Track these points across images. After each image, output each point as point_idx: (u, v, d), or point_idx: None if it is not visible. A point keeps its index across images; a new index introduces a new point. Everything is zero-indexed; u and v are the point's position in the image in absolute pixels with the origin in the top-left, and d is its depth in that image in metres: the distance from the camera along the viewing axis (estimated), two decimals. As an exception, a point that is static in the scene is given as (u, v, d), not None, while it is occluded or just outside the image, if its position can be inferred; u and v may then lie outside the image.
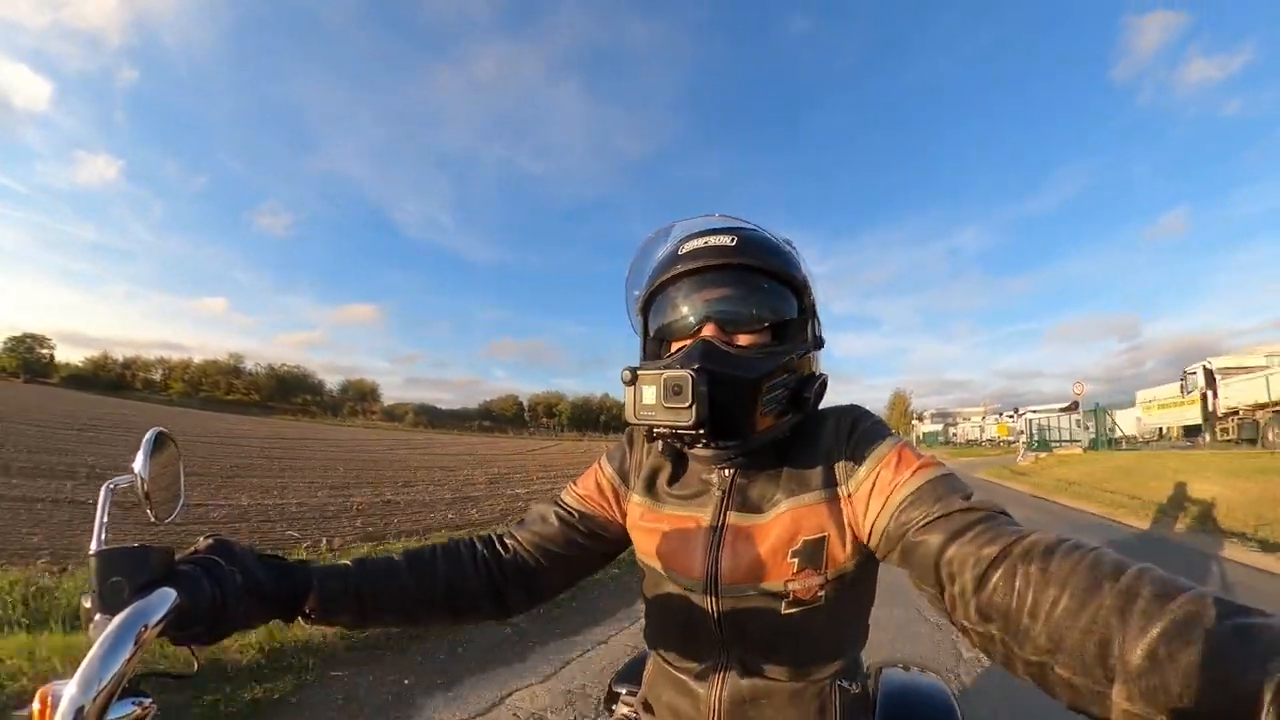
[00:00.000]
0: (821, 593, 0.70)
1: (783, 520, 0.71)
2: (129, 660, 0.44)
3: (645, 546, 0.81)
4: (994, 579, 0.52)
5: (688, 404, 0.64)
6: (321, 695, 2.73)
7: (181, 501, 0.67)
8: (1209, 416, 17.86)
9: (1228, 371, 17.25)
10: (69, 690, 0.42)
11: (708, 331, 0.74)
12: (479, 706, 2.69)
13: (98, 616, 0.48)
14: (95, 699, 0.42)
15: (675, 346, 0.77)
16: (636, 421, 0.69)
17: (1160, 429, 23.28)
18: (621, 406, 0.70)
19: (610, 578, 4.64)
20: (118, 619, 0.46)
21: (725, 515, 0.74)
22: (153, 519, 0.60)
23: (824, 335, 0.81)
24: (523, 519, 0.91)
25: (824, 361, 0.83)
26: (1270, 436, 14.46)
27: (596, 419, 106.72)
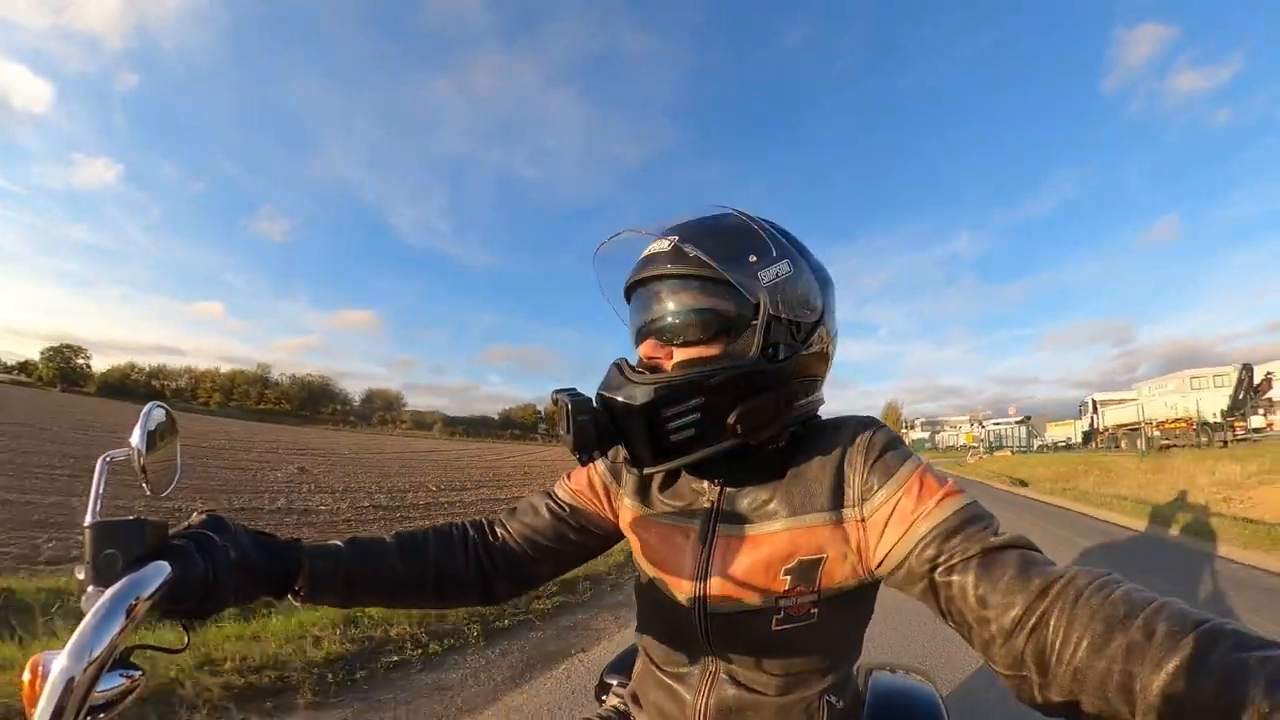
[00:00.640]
0: (814, 610, 0.68)
1: (779, 538, 0.68)
2: (120, 632, 0.44)
3: (637, 549, 0.81)
4: (1028, 627, 0.52)
5: (566, 429, 0.67)
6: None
7: (178, 476, 0.67)
8: (1093, 431, 31.39)
9: (1105, 403, 30.70)
10: (60, 660, 0.42)
11: (644, 348, 0.72)
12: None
13: (90, 588, 0.49)
14: (86, 670, 0.42)
15: None
16: (560, 437, 0.70)
17: (1068, 438, 38.48)
18: None
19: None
20: (110, 591, 0.46)
21: (715, 527, 0.72)
22: (148, 493, 0.60)
23: (812, 332, 0.71)
24: (514, 508, 0.91)
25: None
26: (1122, 444, 25.87)
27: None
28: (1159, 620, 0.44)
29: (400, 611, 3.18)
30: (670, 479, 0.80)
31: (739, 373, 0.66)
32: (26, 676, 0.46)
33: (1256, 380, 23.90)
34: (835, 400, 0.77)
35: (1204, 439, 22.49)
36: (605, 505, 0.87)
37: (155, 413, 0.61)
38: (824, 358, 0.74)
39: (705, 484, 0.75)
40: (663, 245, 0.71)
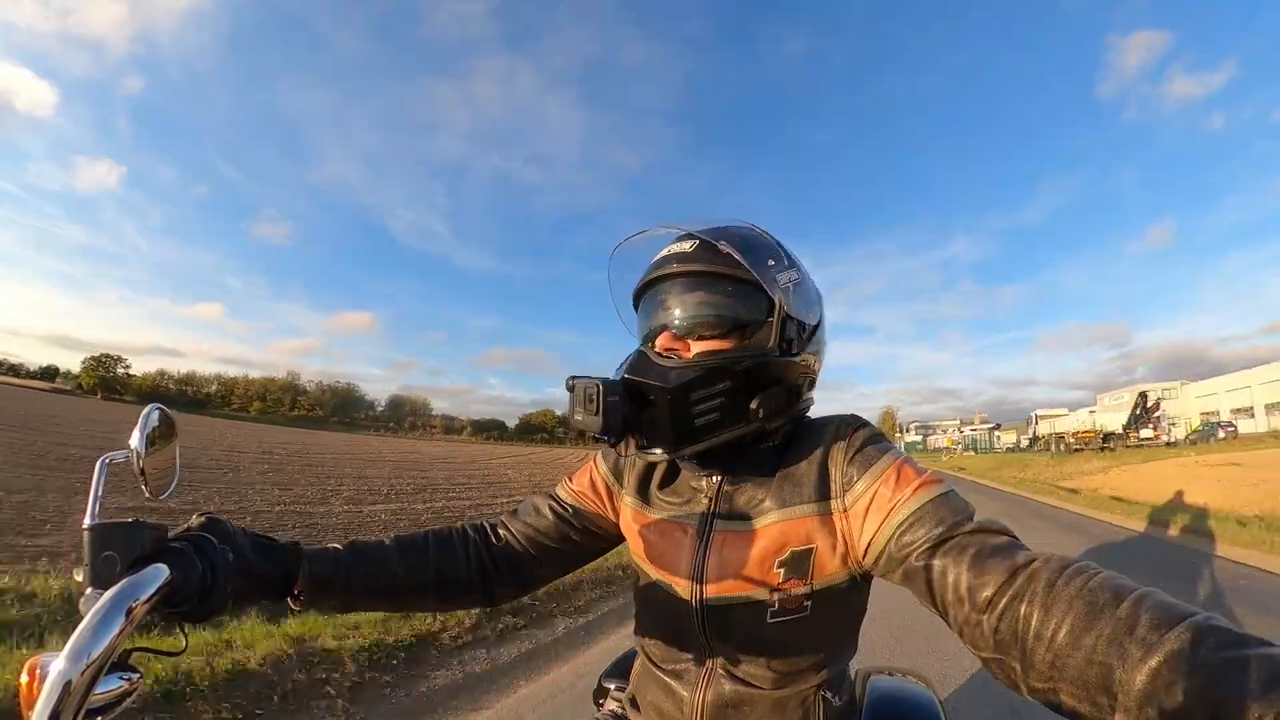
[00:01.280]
0: (807, 603, 0.69)
1: (771, 530, 0.70)
2: (119, 635, 0.44)
3: (636, 547, 0.82)
4: (1000, 606, 0.52)
5: (595, 411, 0.67)
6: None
7: (177, 479, 0.67)
8: (1034, 438, 52.43)
9: (1042, 417, 57.50)
10: (58, 663, 0.42)
11: (662, 339, 0.74)
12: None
13: (89, 590, 0.49)
14: (83, 672, 0.42)
15: None
16: (572, 425, 0.70)
17: (1016, 442, 57.31)
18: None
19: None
20: (109, 593, 0.46)
21: (712, 522, 0.74)
22: (147, 495, 0.60)
23: (814, 335, 0.78)
24: (515, 509, 0.91)
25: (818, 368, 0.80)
26: (1052, 448, 36.12)
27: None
28: (1141, 612, 0.43)
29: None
30: (670, 477, 0.82)
31: (761, 361, 0.71)
32: (24, 678, 0.46)
33: (1150, 403, 35.98)
34: (834, 403, 0.87)
35: (1108, 445, 33.12)
36: (607, 506, 0.88)
37: (154, 414, 0.61)
38: (819, 359, 0.80)
39: (704, 481, 0.77)
40: (684, 246, 0.75)
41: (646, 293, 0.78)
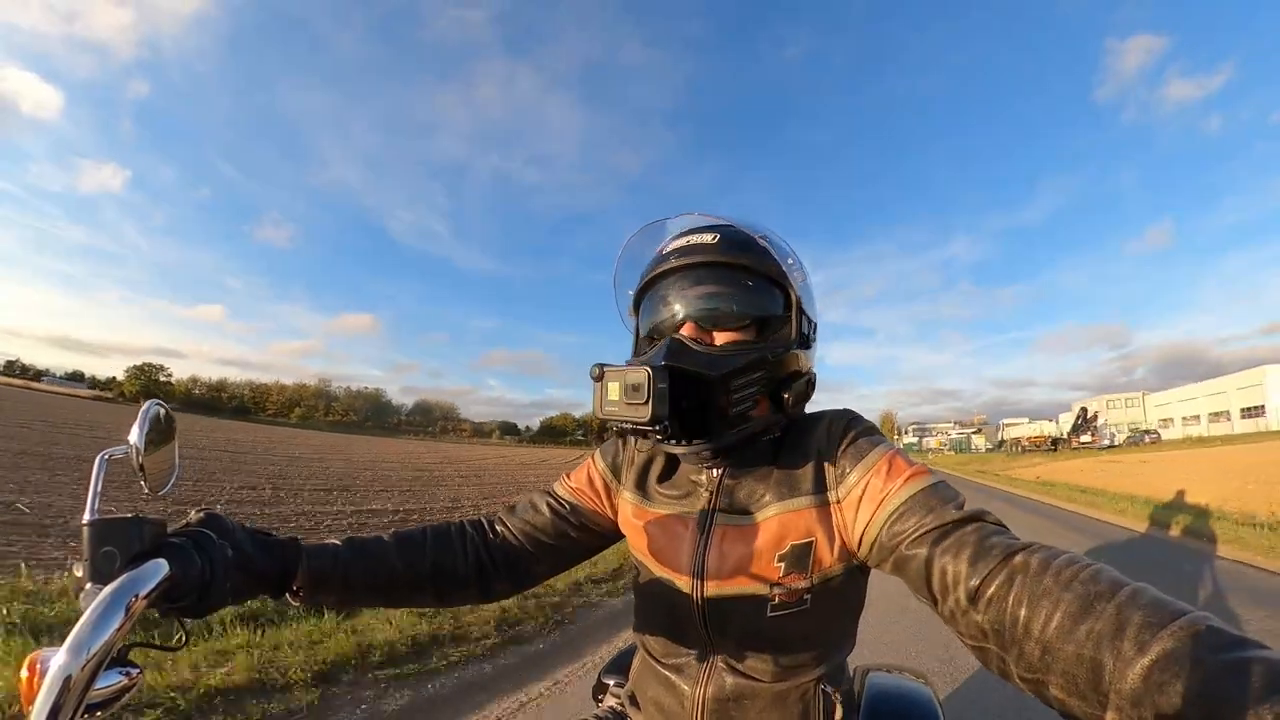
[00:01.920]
0: (807, 596, 0.70)
1: (771, 524, 0.70)
2: (118, 630, 0.44)
3: (636, 542, 0.82)
4: (988, 593, 0.52)
5: (644, 400, 0.64)
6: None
7: (176, 475, 0.67)
8: (1000, 441, 74.78)
9: (1008, 425, 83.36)
10: (57, 658, 0.42)
11: (685, 329, 0.74)
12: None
13: (88, 586, 0.49)
14: (83, 667, 0.42)
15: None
16: (602, 417, 0.69)
17: (988, 445, 74.61)
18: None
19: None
20: (108, 589, 0.46)
21: (713, 516, 0.74)
22: (146, 491, 0.60)
23: (814, 335, 0.81)
24: (513, 506, 0.91)
25: (817, 370, 0.82)
26: (1015, 450, 53.04)
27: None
28: (1134, 608, 0.42)
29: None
30: (669, 471, 0.82)
31: (789, 352, 0.74)
32: (24, 674, 0.46)
33: (1089, 415, 50.33)
34: (832, 404, 0.85)
35: (1054, 448, 45.87)
36: (605, 503, 0.88)
37: (154, 411, 0.61)
38: (812, 358, 0.82)
39: (704, 475, 0.77)
40: (706, 238, 0.75)
41: (664, 280, 0.77)
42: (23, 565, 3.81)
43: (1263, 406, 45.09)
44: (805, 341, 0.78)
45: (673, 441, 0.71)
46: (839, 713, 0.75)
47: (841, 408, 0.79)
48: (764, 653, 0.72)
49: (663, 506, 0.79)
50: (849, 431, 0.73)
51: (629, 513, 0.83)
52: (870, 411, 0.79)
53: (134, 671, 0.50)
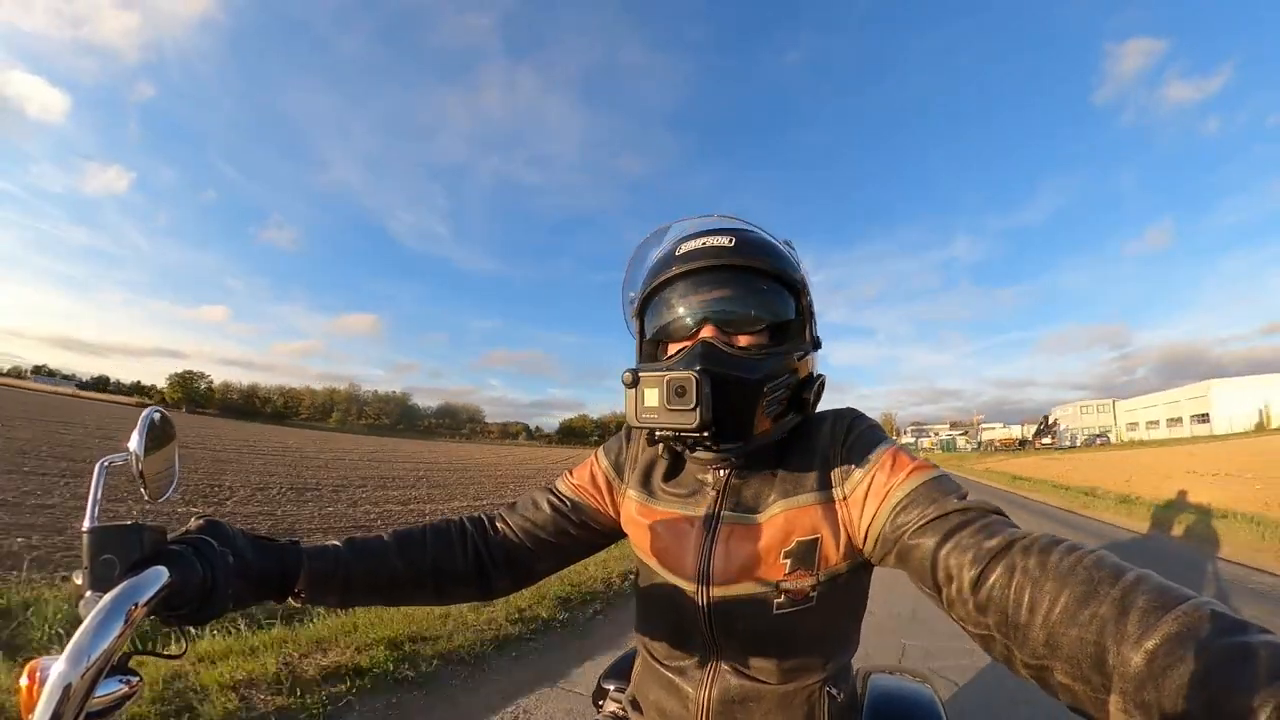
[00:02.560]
0: (813, 593, 0.70)
1: (776, 521, 0.71)
2: (118, 638, 0.44)
3: (639, 542, 0.82)
4: (991, 579, 0.52)
5: (692, 406, 0.63)
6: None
7: (175, 482, 0.67)
8: (980, 442, 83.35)
9: (985, 429, 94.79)
10: (57, 666, 0.42)
11: (706, 333, 0.73)
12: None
13: (88, 593, 0.48)
14: (83, 675, 0.42)
15: (673, 349, 0.77)
16: (639, 425, 0.68)
17: (969, 446, 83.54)
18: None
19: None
20: (108, 597, 0.46)
21: (719, 515, 0.74)
22: (146, 498, 0.60)
23: (819, 336, 0.81)
24: (514, 503, 0.91)
25: (819, 369, 0.82)
26: (989, 449, 68.60)
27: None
28: (1138, 592, 0.42)
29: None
30: (674, 470, 0.82)
31: (807, 354, 0.76)
32: (24, 682, 0.46)
33: (1051, 422, 69.59)
34: (834, 404, 0.86)
35: (1020, 448, 60.16)
36: (607, 501, 0.87)
37: (153, 417, 0.61)
38: None
39: (710, 475, 0.77)
40: (722, 240, 0.75)
41: (679, 282, 0.76)
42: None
43: (1208, 414, 55.02)
44: (817, 344, 0.80)
45: (710, 447, 0.71)
46: (843, 717, 0.74)
47: (844, 407, 0.80)
48: (769, 654, 0.72)
49: (668, 506, 0.79)
50: (852, 430, 0.74)
51: (633, 511, 0.83)
52: (870, 411, 0.80)
53: (134, 679, 0.49)
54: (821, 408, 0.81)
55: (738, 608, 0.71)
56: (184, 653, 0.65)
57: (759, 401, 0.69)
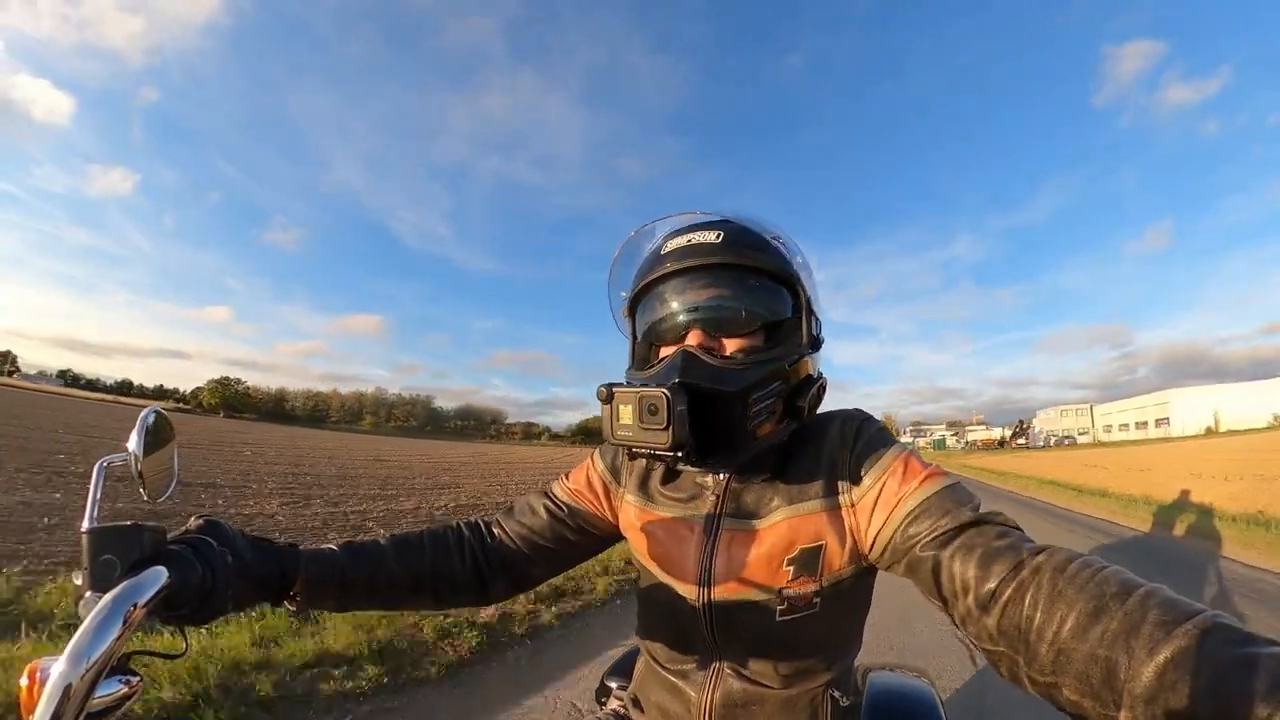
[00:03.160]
0: (816, 599, 0.69)
1: (779, 528, 0.69)
2: (118, 638, 0.44)
3: (638, 546, 0.81)
4: (1003, 598, 0.51)
5: (664, 425, 0.60)
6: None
7: (175, 482, 0.67)
8: (966, 442, 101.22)
9: (969, 430, 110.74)
10: (58, 667, 0.41)
11: (693, 338, 0.70)
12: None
13: (88, 594, 0.48)
14: (83, 676, 0.42)
15: (663, 352, 0.74)
16: (614, 442, 0.66)
17: (960, 443, 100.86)
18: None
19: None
20: (108, 597, 0.46)
21: (719, 520, 0.73)
22: (145, 498, 0.60)
23: (823, 335, 0.77)
24: (511, 508, 0.90)
25: (822, 369, 0.78)
26: (974, 448, 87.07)
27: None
28: (1148, 608, 0.42)
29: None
30: (673, 473, 0.80)
31: (802, 357, 0.71)
32: (24, 682, 0.46)
33: (1025, 425, 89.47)
34: (836, 403, 0.83)
35: (999, 447, 78.60)
36: (604, 505, 0.87)
37: (152, 418, 0.60)
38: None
39: (710, 478, 0.75)
40: (709, 236, 0.71)
41: (665, 283, 0.73)
42: None
43: (1168, 419, 63.43)
44: (816, 344, 0.75)
45: (692, 464, 0.69)
46: (846, 718, 0.74)
47: (851, 408, 0.77)
48: (772, 659, 0.71)
49: (667, 509, 0.78)
50: (861, 434, 0.71)
51: (631, 515, 0.82)
52: (872, 411, 0.77)
53: (134, 679, 0.49)
54: (827, 407, 0.78)
55: (739, 613, 0.70)
56: (184, 653, 0.65)
57: (744, 414, 0.66)
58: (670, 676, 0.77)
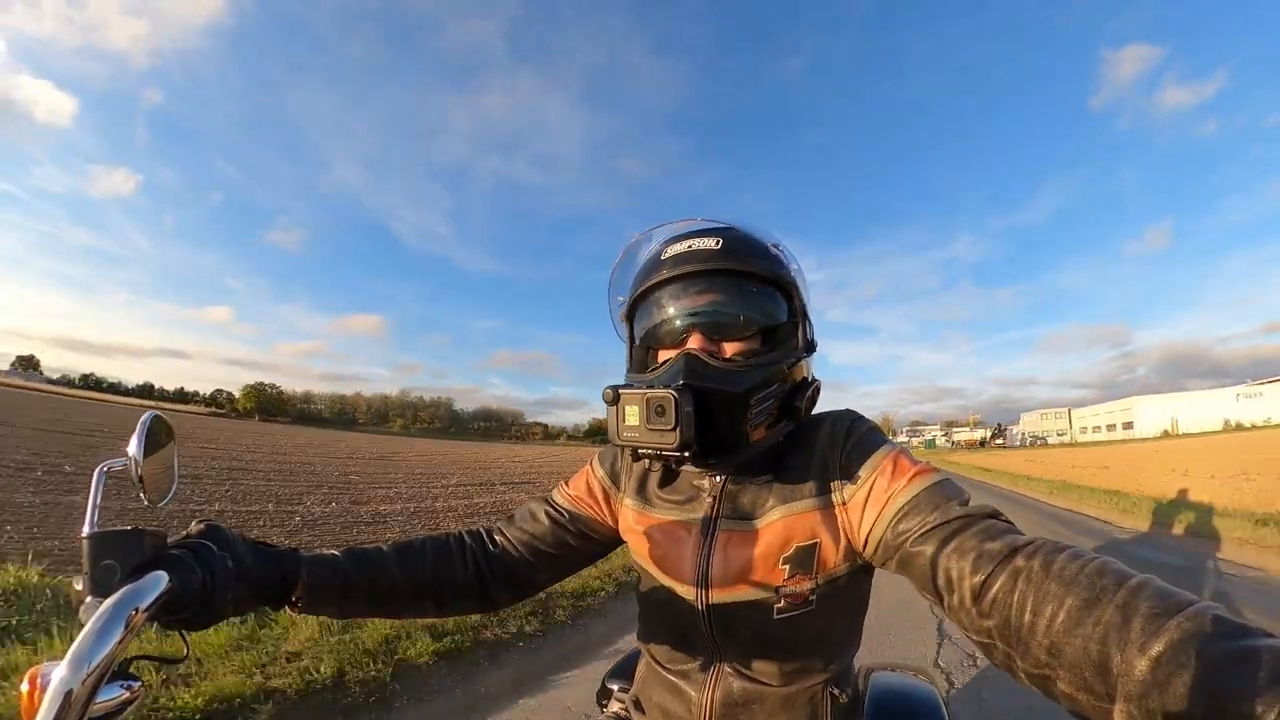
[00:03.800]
0: (813, 597, 0.69)
1: (775, 527, 0.70)
2: (119, 643, 0.44)
3: (638, 549, 0.81)
4: (993, 589, 0.51)
5: (671, 426, 0.62)
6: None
7: (175, 487, 0.67)
8: (954, 443, 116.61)
9: (956, 431, 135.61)
10: (58, 672, 0.41)
11: (693, 341, 0.71)
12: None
13: (89, 599, 0.48)
14: (84, 681, 0.41)
15: (662, 356, 0.75)
16: (620, 443, 0.67)
17: (947, 443, 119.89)
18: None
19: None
20: (109, 602, 0.46)
21: (716, 521, 0.73)
22: (145, 503, 0.60)
23: (816, 339, 0.79)
24: (512, 515, 0.90)
25: (820, 369, 0.81)
26: (959, 447, 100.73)
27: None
28: (1141, 599, 0.42)
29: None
30: (670, 476, 0.81)
31: (800, 360, 0.74)
32: (25, 688, 0.46)
33: (1003, 428, 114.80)
34: (835, 403, 0.86)
35: (981, 446, 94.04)
36: (604, 510, 0.87)
37: (152, 422, 0.60)
38: None
39: (706, 480, 0.76)
40: (708, 242, 0.72)
41: (664, 288, 0.74)
42: None
43: (1132, 423, 76.07)
44: (811, 347, 0.77)
45: (697, 464, 0.69)
46: (846, 718, 0.74)
47: (843, 409, 0.78)
48: (771, 657, 0.72)
49: (664, 512, 0.78)
50: (852, 433, 0.72)
51: (630, 519, 0.82)
52: (871, 411, 0.81)
53: (135, 684, 0.49)
54: (823, 407, 0.80)
55: (738, 612, 0.71)
56: (185, 657, 0.65)
57: (745, 414, 0.67)
58: (671, 677, 0.77)
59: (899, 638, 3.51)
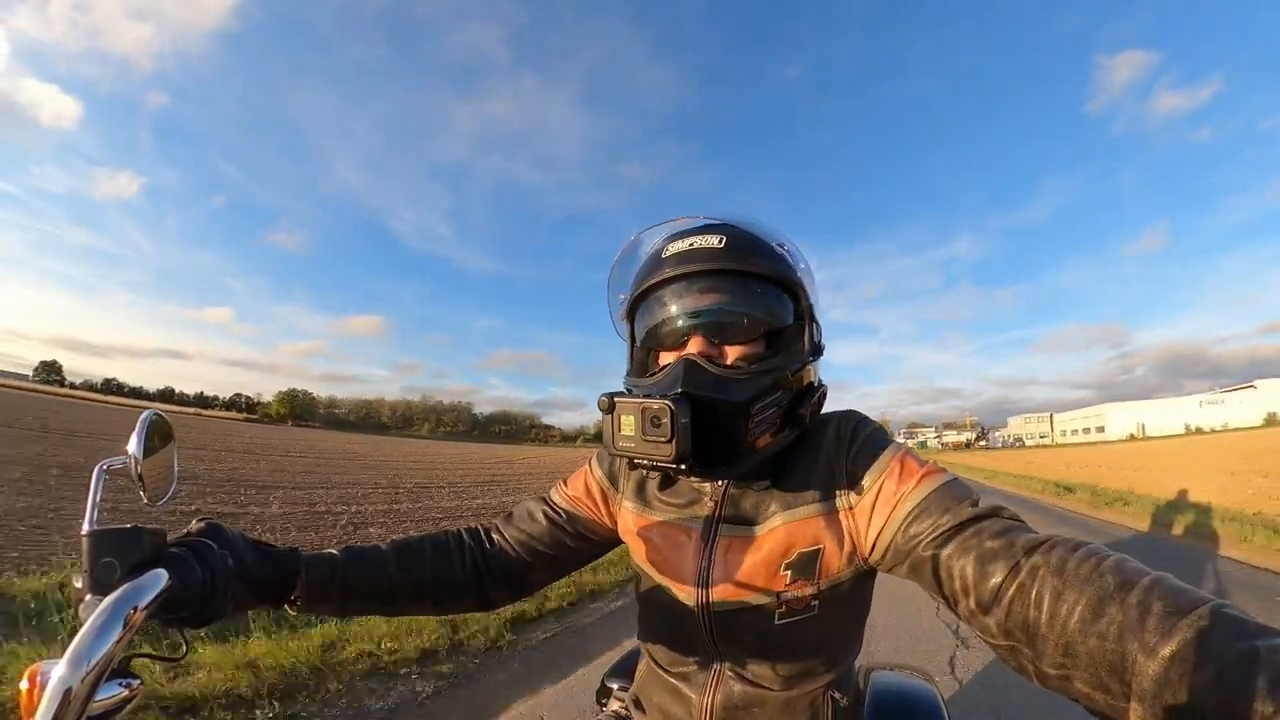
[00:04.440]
0: (815, 602, 0.68)
1: (777, 533, 0.69)
2: (118, 641, 0.44)
3: (637, 551, 0.81)
4: (1009, 593, 0.51)
5: (667, 438, 0.59)
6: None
7: (174, 485, 0.67)
8: (943, 443, 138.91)
9: (947, 433, 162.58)
10: (58, 670, 0.41)
11: (694, 345, 0.68)
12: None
13: (88, 597, 0.48)
14: (84, 679, 0.41)
15: (663, 358, 0.73)
16: (616, 452, 0.64)
17: (939, 444, 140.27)
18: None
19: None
20: (108, 600, 0.46)
21: (717, 525, 0.72)
22: (145, 501, 0.60)
23: (823, 340, 0.76)
24: (510, 514, 0.90)
25: (821, 370, 0.77)
26: (946, 448, 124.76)
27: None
28: (1154, 598, 0.42)
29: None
30: (669, 478, 0.80)
31: (805, 365, 0.70)
32: (24, 686, 0.46)
33: (985, 430, 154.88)
34: (835, 403, 0.82)
35: (966, 447, 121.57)
36: (603, 511, 0.86)
37: (152, 421, 0.60)
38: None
39: (708, 484, 0.75)
40: (711, 240, 0.69)
41: (666, 287, 0.71)
42: None
43: (1104, 427, 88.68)
44: (818, 351, 0.74)
45: (693, 475, 0.67)
46: (847, 718, 0.74)
47: (845, 410, 0.76)
48: (772, 661, 0.71)
49: (664, 514, 0.77)
50: (857, 435, 0.70)
51: (629, 521, 0.82)
52: (870, 412, 0.77)
53: (134, 682, 0.49)
54: (825, 407, 0.77)
55: (739, 617, 0.70)
56: (184, 655, 0.65)
57: (746, 424, 0.64)
58: (671, 679, 0.77)
59: (907, 646, 3.51)
